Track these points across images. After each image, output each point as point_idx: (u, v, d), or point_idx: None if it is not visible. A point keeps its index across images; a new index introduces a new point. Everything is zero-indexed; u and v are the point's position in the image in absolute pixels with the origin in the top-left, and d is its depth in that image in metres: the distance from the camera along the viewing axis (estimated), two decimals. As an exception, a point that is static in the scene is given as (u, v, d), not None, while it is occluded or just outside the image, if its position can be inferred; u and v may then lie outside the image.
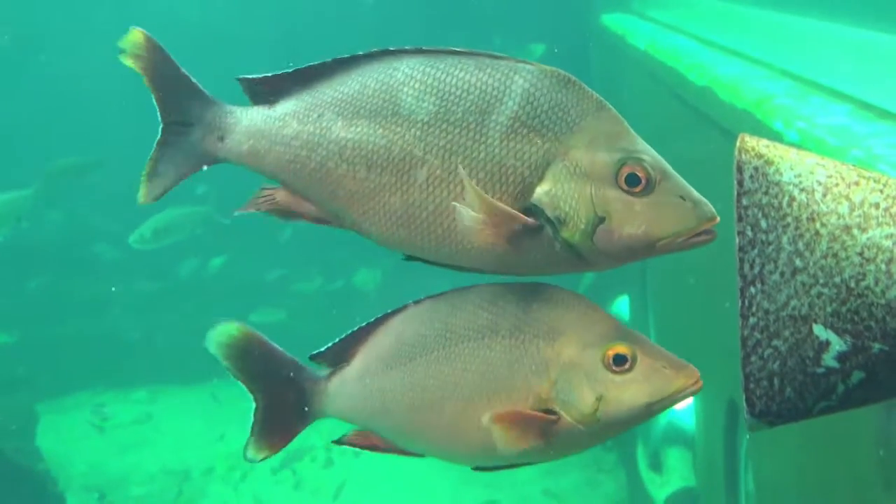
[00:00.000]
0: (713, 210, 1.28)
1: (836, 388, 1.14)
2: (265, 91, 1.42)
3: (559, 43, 6.18)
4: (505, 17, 6.49)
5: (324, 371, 1.49)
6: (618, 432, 1.38)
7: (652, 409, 1.32)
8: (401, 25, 6.81)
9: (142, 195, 1.42)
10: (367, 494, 5.76)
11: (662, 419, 4.29)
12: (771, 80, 3.05)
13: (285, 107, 1.41)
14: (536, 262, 1.32)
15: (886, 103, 2.48)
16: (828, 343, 1.12)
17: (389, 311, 1.46)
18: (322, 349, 1.48)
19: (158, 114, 1.42)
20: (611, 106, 1.32)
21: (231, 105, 1.44)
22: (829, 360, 1.13)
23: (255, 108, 1.42)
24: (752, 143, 1.16)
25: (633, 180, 1.28)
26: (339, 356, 1.48)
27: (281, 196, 1.43)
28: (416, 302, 1.45)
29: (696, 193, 1.28)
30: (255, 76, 1.42)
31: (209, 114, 1.42)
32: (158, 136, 1.42)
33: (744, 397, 1.18)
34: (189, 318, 7.30)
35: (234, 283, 7.55)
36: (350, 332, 1.47)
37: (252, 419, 1.48)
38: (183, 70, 1.41)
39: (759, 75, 3.18)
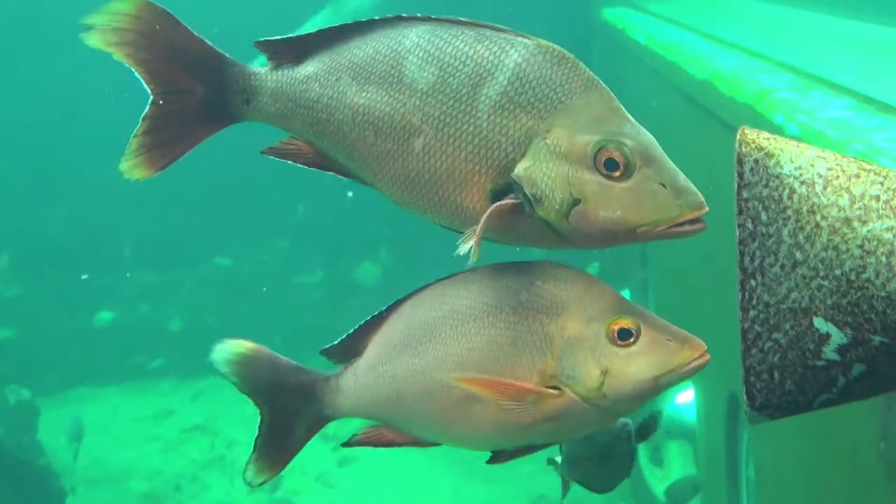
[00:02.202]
0: (700, 200, 1.24)
1: (836, 380, 1.14)
2: (288, 53, 1.41)
3: (560, 36, 6.17)
4: (506, 10, 6.48)
5: (332, 371, 1.49)
6: (626, 410, 1.36)
7: (658, 383, 1.30)
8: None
9: (141, 170, 1.40)
10: (369, 490, 5.77)
11: (663, 413, 4.29)
12: (772, 74, 3.05)
13: (308, 69, 1.41)
14: (523, 234, 1.32)
15: (888, 97, 2.48)
16: (828, 336, 1.12)
17: (399, 298, 1.46)
18: (332, 344, 1.48)
19: (153, 81, 1.38)
20: (604, 85, 1.30)
21: (251, 66, 1.42)
22: (829, 352, 1.13)
23: (279, 69, 1.42)
24: (753, 135, 1.16)
25: (611, 164, 1.25)
26: (349, 351, 1.48)
27: (307, 149, 1.44)
28: (424, 287, 1.45)
29: (682, 182, 1.25)
30: (279, 38, 1.41)
31: (231, 76, 1.41)
32: (154, 104, 1.39)
33: (744, 390, 1.18)
34: (191, 313, 7.32)
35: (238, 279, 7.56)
36: (358, 325, 1.47)
37: (255, 439, 1.47)
38: (195, 33, 1.39)
39: (759, 69, 3.18)
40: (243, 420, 6.64)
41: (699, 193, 1.25)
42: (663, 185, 1.24)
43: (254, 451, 1.47)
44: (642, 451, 4.79)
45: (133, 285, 7.51)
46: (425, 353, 1.40)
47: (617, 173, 1.25)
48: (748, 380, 1.18)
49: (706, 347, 1.29)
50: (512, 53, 1.30)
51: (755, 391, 1.18)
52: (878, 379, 1.13)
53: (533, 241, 1.34)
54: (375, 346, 1.46)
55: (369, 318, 1.47)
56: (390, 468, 5.70)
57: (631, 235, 1.27)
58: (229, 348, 1.46)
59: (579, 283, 1.35)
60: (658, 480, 4.46)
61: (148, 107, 1.40)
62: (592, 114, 1.28)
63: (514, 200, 1.29)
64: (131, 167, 1.40)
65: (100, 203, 7.40)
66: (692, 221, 1.24)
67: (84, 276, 6.64)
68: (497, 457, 1.43)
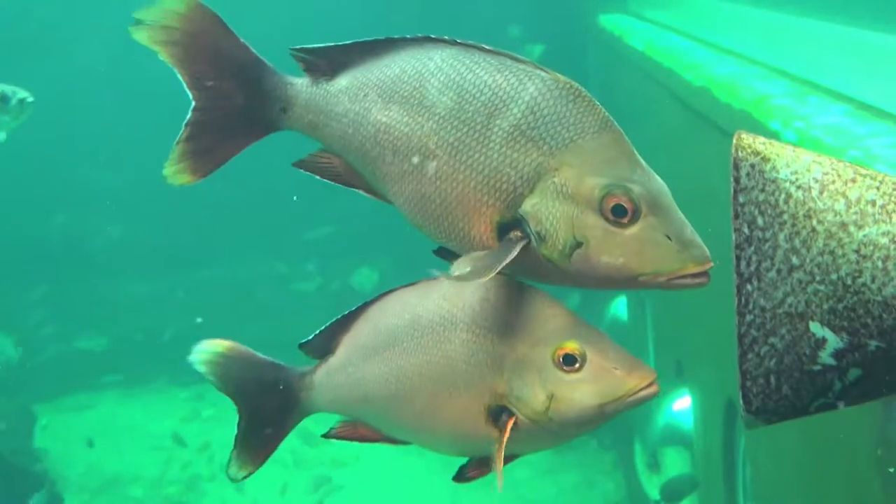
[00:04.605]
0: (705, 254, 1.22)
1: (832, 385, 1.14)
2: (322, 63, 1.41)
3: (557, 43, 6.18)
4: (504, 17, 6.50)
5: (308, 367, 1.51)
6: (579, 432, 1.36)
7: (604, 411, 1.29)
8: (396, 24, 6.79)
9: (184, 176, 1.39)
10: (366, 493, 5.76)
11: (660, 419, 4.29)
12: (768, 80, 3.06)
13: (340, 83, 1.40)
14: (526, 268, 1.31)
15: (884, 103, 2.48)
16: (824, 340, 1.12)
17: (367, 300, 1.47)
18: (309, 338, 1.50)
19: (195, 86, 1.38)
20: (618, 127, 1.28)
21: (290, 76, 1.42)
22: (825, 357, 1.12)
23: (314, 80, 1.42)
24: (749, 140, 1.16)
25: (618, 210, 1.23)
26: (324, 347, 1.50)
27: (337, 163, 1.44)
28: (391, 291, 1.46)
29: (688, 234, 1.23)
30: (314, 46, 1.41)
31: (271, 85, 1.41)
32: (196, 110, 1.38)
33: (740, 395, 1.18)
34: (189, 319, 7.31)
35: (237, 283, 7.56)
36: (332, 321, 1.48)
37: (235, 435, 1.49)
38: (241, 39, 1.39)
39: (756, 75, 3.18)
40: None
41: (704, 247, 1.23)
42: (668, 237, 1.23)
43: (234, 447, 1.49)
44: (639, 456, 4.79)
45: (130, 292, 7.51)
46: (390, 360, 1.42)
47: (624, 220, 1.23)
48: (744, 384, 1.18)
49: (655, 376, 1.29)
50: (529, 86, 1.28)
51: (751, 395, 1.17)
52: (875, 383, 1.13)
53: (535, 276, 1.33)
54: (345, 347, 1.48)
55: (340, 316, 1.48)
56: (387, 472, 5.69)
57: (632, 282, 1.25)
58: (206, 348, 1.48)
59: (532, 303, 1.34)
60: (655, 487, 4.45)
61: (190, 113, 1.39)
62: (603, 156, 1.26)
63: (520, 236, 1.28)
64: (174, 173, 1.39)
65: (99, 210, 7.39)
66: (696, 274, 1.23)
67: (199, 319, 6.63)
68: (462, 474, 1.43)
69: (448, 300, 1.37)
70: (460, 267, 1.27)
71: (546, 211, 1.26)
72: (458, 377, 1.35)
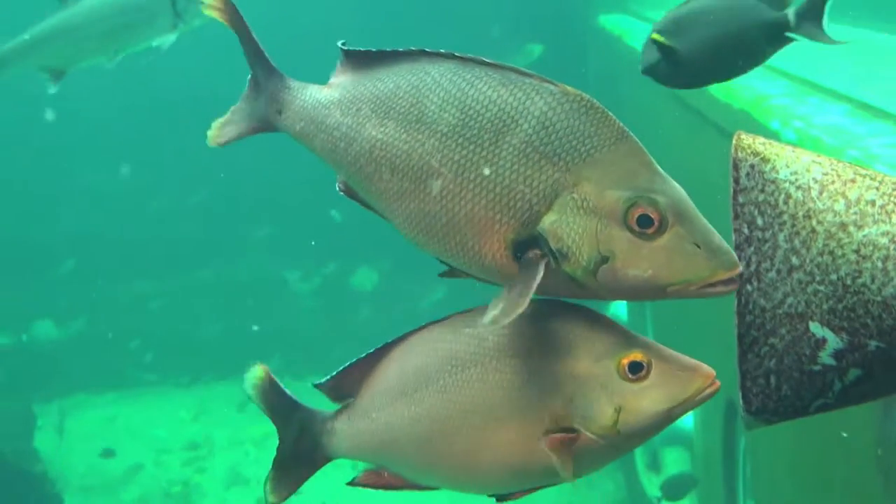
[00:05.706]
0: (734, 259, 1.20)
1: (832, 385, 1.14)
2: (367, 63, 1.40)
3: (557, 43, 6.18)
4: (504, 18, 6.50)
5: (331, 411, 1.47)
6: (639, 443, 1.33)
7: (672, 415, 1.27)
8: (395, 25, 6.80)
9: (210, 137, 1.43)
10: (364, 493, 5.76)
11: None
12: (768, 80, 3.06)
13: (333, 94, 1.39)
14: (547, 286, 1.27)
15: (884, 103, 2.48)
16: (824, 340, 1.12)
17: (388, 341, 1.43)
18: (324, 379, 1.44)
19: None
20: (633, 137, 1.25)
21: (291, 80, 1.42)
22: (825, 357, 1.13)
23: (311, 88, 1.41)
24: (749, 140, 1.16)
25: (643, 221, 1.20)
26: (343, 388, 1.44)
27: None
28: (417, 329, 1.41)
29: (716, 242, 1.20)
30: (362, 49, 1.40)
31: (271, 84, 1.42)
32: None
33: (740, 395, 1.18)
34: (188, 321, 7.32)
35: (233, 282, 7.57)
36: (350, 363, 1.43)
37: (273, 460, 1.46)
38: (253, 35, 1.41)
39: (755, 75, 3.18)
40: (237, 429, 6.65)
41: (732, 252, 1.21)
42: (696, 245, 1.20)
43: (270, 473, 1.46)
44: (639, 456, 4.79)
45: (129, 293, 7.51)
46: (422, 401, 1.36)
47: (650, 230, 1.21)
48: (744, 384, 1.18)
49: (715, 374, 1.27)
50: (538, 100, 1.25)
51: (751, 396, 1.18)
52: (875, 383, 1.13)
53: (556, 293, 1.30)
54: (368, 391, 1.42)
55: (359, 358, 1.42)
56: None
57: (661, 293, 1.23)
58: (252, 373, 1.44)
59: (583, 319, 1.31)
60: (655, 487, 4.46)
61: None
62: (622, 168, 1.23)
63: (539, 254, 1.25)
64: (210, 132, 1.43)
65: (97, 210, 7.40)
66: (726, 280, 1.20)
67: (255, 328, 6.62)
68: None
69: (490, 332, 1.32)
70: (492, 312, 1.24)
71: (567, 228, 1.23)
72: (511, 407, 1.30)
